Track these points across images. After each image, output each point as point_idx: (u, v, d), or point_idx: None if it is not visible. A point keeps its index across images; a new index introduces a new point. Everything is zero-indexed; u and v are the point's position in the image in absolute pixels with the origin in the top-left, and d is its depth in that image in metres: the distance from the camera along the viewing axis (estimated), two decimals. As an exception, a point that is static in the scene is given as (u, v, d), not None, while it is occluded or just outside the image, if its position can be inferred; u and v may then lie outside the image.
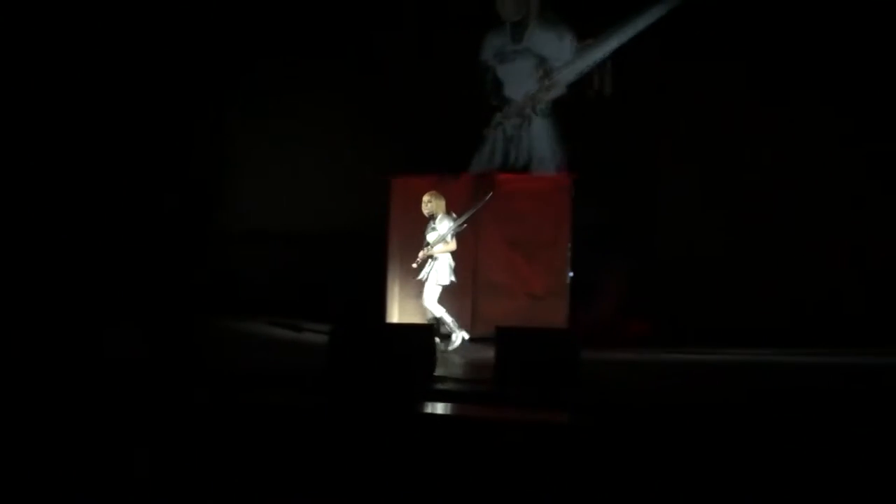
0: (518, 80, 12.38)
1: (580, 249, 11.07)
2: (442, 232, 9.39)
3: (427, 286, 9.45)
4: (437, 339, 8.96)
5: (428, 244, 9.39)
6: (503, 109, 12.40)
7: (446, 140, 11.99)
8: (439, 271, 9.43)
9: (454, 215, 9.46)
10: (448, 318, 9.48)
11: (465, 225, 9.57)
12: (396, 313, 10.91)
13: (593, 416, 6.44)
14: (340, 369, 7.35)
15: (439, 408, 6.65)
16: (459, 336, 9.47)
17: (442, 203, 9.51)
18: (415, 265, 9.49)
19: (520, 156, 12.29)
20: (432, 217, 9.51)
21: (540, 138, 12.20)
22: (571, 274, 10.90)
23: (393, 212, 11.21)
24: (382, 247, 11.08)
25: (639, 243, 11.44)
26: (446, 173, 11.42)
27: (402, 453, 5.66)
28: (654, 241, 11.48)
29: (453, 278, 9.48)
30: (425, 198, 9.55)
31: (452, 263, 9.44)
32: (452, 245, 9.42)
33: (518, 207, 10.93)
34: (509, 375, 7.21)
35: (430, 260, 9.43)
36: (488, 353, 7.61)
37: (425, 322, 9.43)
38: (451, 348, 9.44)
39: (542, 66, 12.22)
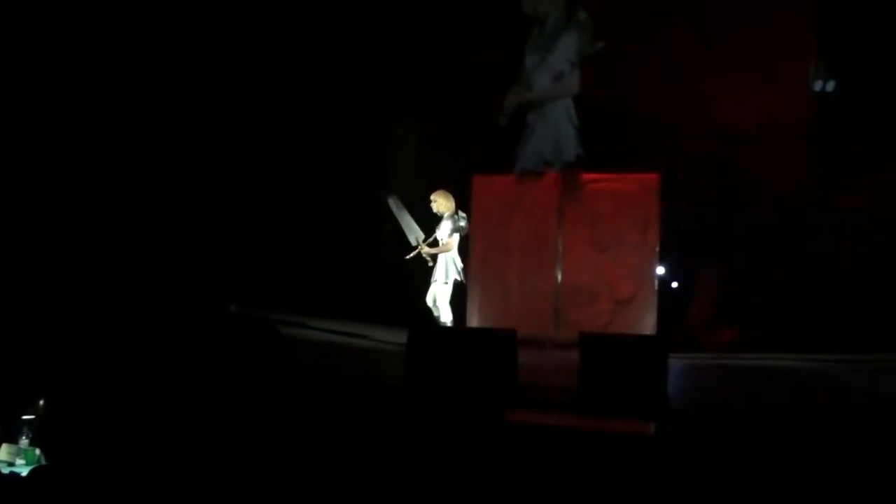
0: (540, 74, 12.14)
1: (668, 252, 11.05)
2: (441, 234, 9.59)
3: (438, 286, 9.65)
4: None
5: (436, 243, 9.63)
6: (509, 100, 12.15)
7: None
8: (447, 270, 9.62)
9: (461, 215, 9.57)
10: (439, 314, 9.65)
11: (465, 228, 9.65)
12: (476, 317, 11.00)
13: (682, 427, 6.42)
14: (418, 374, 7.43)
15: (521, 416, 6.69)
16: None
17: (450, 203, 9.64)
18: (430, 263, 9.64)
19: (537, 147, 12.08)
20: (441, 216, 9.65)
21: (556, 134, 12.02)
22: (675, 284, 10.86)
23: (474, 210, 11.30)
24: (463, 247, 11.17)
25: (729, 245, 11.32)
26: (528, 171, 11.47)
27: (483, 461, 5.73)
28: (744, 243, 11.35)
29: (459, 277, 9.65)
30: (431, 196, 9.71)
31: (459, 263, 9.58)
32: (449, 246, 9.58)
33: (603, 208, 10.90)
34: (594, 383, 7.16)
35: (438, 259, 9.64)
36: (572, 360, 7.62)
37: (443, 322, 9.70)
38: None
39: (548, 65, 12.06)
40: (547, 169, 11.45)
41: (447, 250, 9.51)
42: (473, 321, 10.87)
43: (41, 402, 6.04)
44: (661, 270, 11.23)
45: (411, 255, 9.61)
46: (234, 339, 8.23)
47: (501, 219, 11.20)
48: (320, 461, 5.83)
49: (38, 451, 5.80)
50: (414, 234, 9.62)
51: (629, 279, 10.78)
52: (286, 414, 6.57)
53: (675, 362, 7.44)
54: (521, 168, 11.68)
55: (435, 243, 9.57)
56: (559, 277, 10.95)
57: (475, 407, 6.74)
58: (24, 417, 5.90)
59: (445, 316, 9.54)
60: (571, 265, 10.96)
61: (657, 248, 10.74)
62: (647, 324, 10.51)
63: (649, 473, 5.46)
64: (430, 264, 9.61)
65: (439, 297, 9.56)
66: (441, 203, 9.57)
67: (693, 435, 6.24)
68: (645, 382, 7.01)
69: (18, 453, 5.79)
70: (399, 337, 9.62)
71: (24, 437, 5.85)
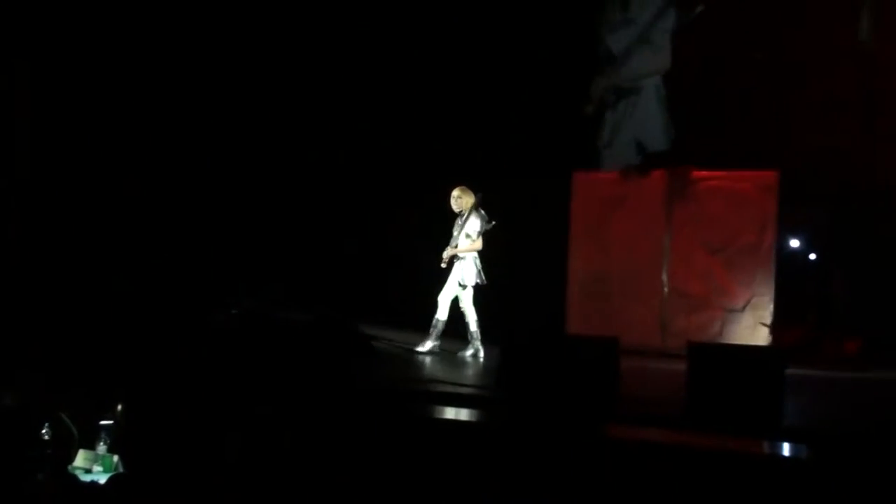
0: (624, 53, 11.98)
1: (786, 256, 10.85)
2: (469, 231, 9.60)
3: (448, 287, 9.68)
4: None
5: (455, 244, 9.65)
6: (596, 86, 12.15)
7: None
8: (465, 272, 9.61)
9: (482, 212, 9.62)
10: (473, 325, 9.66)
11: (493, 223, 9.67)
12: (576, 323, 10.93)
13: (798, 447, 6.31)
14: (514, 385, 7.42)
15: (623, 432, 6.63)
16: (476, 348, 9.62)
17: (472, 199, 9.65)
18: (443, 265, 9.69)
19: (623, 137, 11.94)
20: (460, 214, 9.68)
21: (647, 118, 11.85)
22: (813, 256, 10.63)
23: (574, 210, 11.24)
24: (562, 249, 11.13)
25: (852, 249, 11.07)
26: (633, 168, 11.37)
27: (582, 480, 5.69)
28: (870, 247, 11.06)
29: (480, 279, 9.63)
30: (455, 193, 9.71)
31: (479, 264, 9.65)
32: (478, 244, 9.61)
33: (716, 208, 10.71)
34: (703, 398, 7.04)
35: (455, 260, 9.66)
36: (679, 372, 7.54)
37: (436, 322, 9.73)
38: (467, 354, 9.64)
39: (644, 39, 11.86)
40: (645, 159, 11.40)
41: (477, 248, 9.64)
42: (572, 328, 10.79)
43: (119, 407, 6.18)
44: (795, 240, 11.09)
45: (445, 259, 9.70)
46: (327, 347, 8.34)
47: (603, 218, 11.11)
48: (409, 471, 5.89)
49: (115, 458, 5.94)
50: (455, 240, 9.72)
51: (743, 285, 10.57)
52: (375, 423, 6.64)
53: (793, 375, 7.30)
54: (614, 160, 11.65)
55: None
56: (666, 282, 10.82)
57: (573, 420, 6.71)
58: (102, 422, 6.04)
59: (473, 318, 9.67)
60: (679, 269, 10.82)
61: (774, 252, 10.54)
62: (762, 333, 10.32)
63: (762, 496, 5.37)
64: (444, 265, 9.71)
65: (468, 301, 9.67)
66: (465, 199, 9.65)
67: (810, 456, 6.13)
68: (759, 397, 6.87)
69: (95, 459, 5.94)
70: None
71: (101, 443, 5.99)
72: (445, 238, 9.76)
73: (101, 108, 11.87)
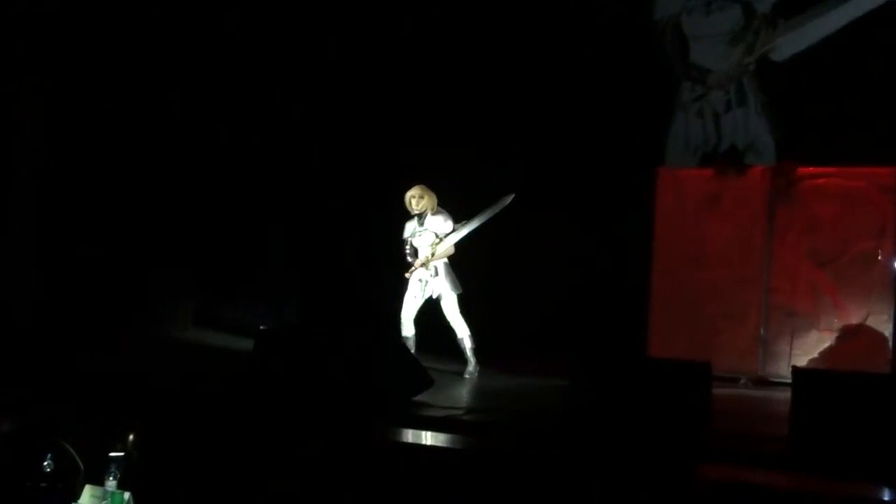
0: (713, 40, 12.06)
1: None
2: (444, 233, 9.83)
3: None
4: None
5: (434, 249, 9.85)
6: (703, 78, 12.18)
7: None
8: (449, 281, 9.86)
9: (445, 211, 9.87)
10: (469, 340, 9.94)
11: (464, 222, 9.89)
12: (659, 344, 10.83)
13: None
14: (587, 415, 7.38)
15: (716, 471, 6.56)
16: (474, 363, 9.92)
17: (434, 199, 9.87)
18: (408, 275, 9.89)
19: (723, 141, 12.02)
20: (421, 216, 9.88)
21: (751, 116, 11.89)
22: None
23: (658, 213, 11.14)
24: (644, 257, 11.05)
25: None
26: (728, 165, 11.26)
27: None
28: None
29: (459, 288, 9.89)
30: (415, 192, 9.88)
31: (453, 271, 9.92)
32: (452, 249, 9.89)
33: (824, 212, 10.54)
34: (809, 433, 6.96)
35: (432, 269, 9.85)
36: (781, 402, 7.46)
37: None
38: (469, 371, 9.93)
39: (752, 15, 11.90)
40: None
41: (451, 253, 9.91)
42: (655, 349, 10.69)
43: (131, 437, 6.20)
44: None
45: (417, 268, 9.84)
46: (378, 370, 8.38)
47: (693, 223, 10.97)
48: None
49: (126, 495, 5.95)
50: (427, 246, 9.94)
51: (857, 301, 10.42)
52: (433, 457, 6.66)
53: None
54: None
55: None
56: (766, 298, 10.71)
57: (656, 457, 6.65)
58: (112, 454, 6.05)
59: (463, 330, 9.87)
60: (782, 282, 10.68)
61: (894, 263, 10.37)
62: (880, 358, 10.13)
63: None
64: (409, 274, 9.86)
65: (454, 310, 9.85)
66: (428, 200, 9.89)
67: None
68: (876, 433, 6.79)
69: (104, 496, 5.93)
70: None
71: (110, 478, 5.99)
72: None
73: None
